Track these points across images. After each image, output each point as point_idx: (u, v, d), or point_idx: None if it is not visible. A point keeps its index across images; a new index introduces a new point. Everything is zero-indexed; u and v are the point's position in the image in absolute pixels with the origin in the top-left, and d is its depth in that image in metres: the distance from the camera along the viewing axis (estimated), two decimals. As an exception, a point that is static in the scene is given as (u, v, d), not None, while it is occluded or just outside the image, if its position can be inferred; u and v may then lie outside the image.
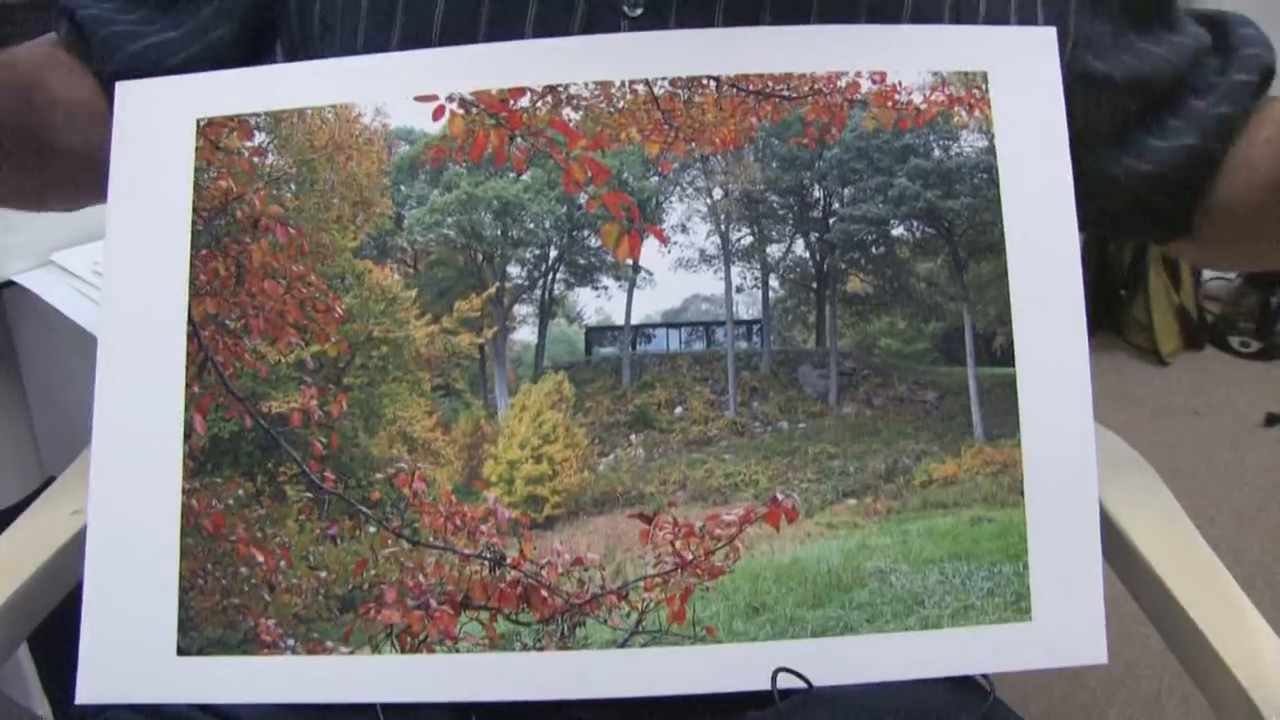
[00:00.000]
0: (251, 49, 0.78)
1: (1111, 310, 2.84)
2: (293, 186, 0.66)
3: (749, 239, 0.65)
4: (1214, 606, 0.63)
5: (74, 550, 0.67)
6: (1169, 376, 2.65)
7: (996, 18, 0.69)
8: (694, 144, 0.65)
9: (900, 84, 0.65)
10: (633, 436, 0.64)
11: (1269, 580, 1.89)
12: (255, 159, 0.66)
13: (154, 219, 0.66)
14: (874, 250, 0.66)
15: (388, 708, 0.63)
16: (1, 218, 1.08)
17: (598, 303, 0.65)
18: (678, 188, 0.65)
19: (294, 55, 0.77)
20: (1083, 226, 0.64)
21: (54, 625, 0.69)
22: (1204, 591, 0.64)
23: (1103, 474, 0.63)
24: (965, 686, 0.67)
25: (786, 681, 0.61)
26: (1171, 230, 0.77)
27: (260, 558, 0.64)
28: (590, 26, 0.67)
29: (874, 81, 0.65)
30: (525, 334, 0.65)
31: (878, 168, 0.65)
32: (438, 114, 0.65)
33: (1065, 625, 0.63)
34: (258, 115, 0.66)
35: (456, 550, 0.63)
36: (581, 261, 0.65)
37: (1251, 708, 0.59)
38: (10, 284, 1.10)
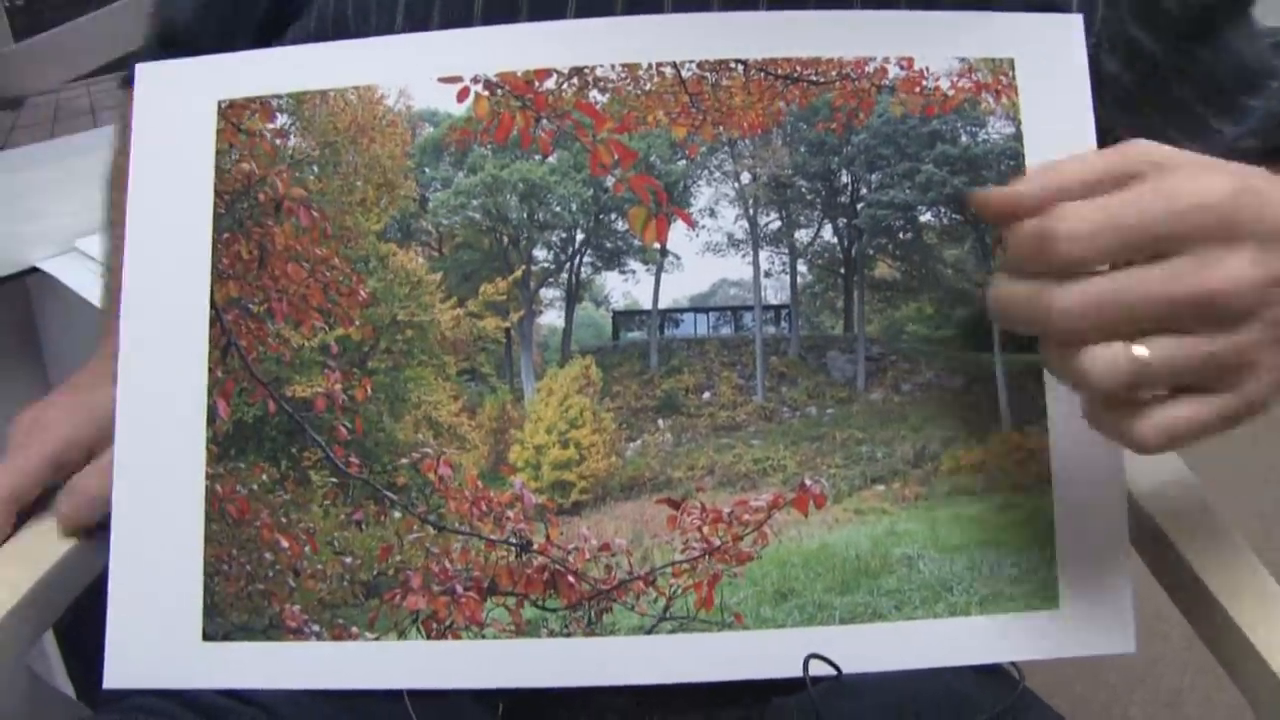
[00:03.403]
0: None
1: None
2: (315, 169, 0.66)
3: (777, 223, 0.65)
4: (1247, 596, 0.62)
5: (100, 535, 0.67)
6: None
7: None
8: (721, 128, 0.64)
9: (927, 70, 0.64)
10: (660, 421, 0.64)
11: (1293, 579, 1.87)
12: (278, 141, 0.66)
13: (176, 202, 0.65)
14: (901, 236, 0.65)
15: (414, 694, 0.63)
16: (25, 205, 1.09)
17: (625, 286, 0.64)
18: (705, 171, 0.64)
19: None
20: None
21: (75, 611, 0.70)
22: (1237, 582, 0.63)
23: (1130, 464, 0.63)
24: (994, 675, 0.67)
25: (814, 668, 0.60)
26: None
27: (285, 543, 0.63)
28: (632, 11, 0.67)
29: (901, 67, 0.64)
30: (552, 318, 0.64)
31: (905, 153, 0.64)
32: (462, 96, 0.65)
33: (1092, 613, 0.63)
34: (280, 97, 0.66)
35: (483, 536, 0.63)
36: (608, 245, 0.65)
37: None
38: (34, 270, 1.11)
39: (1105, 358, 0.52)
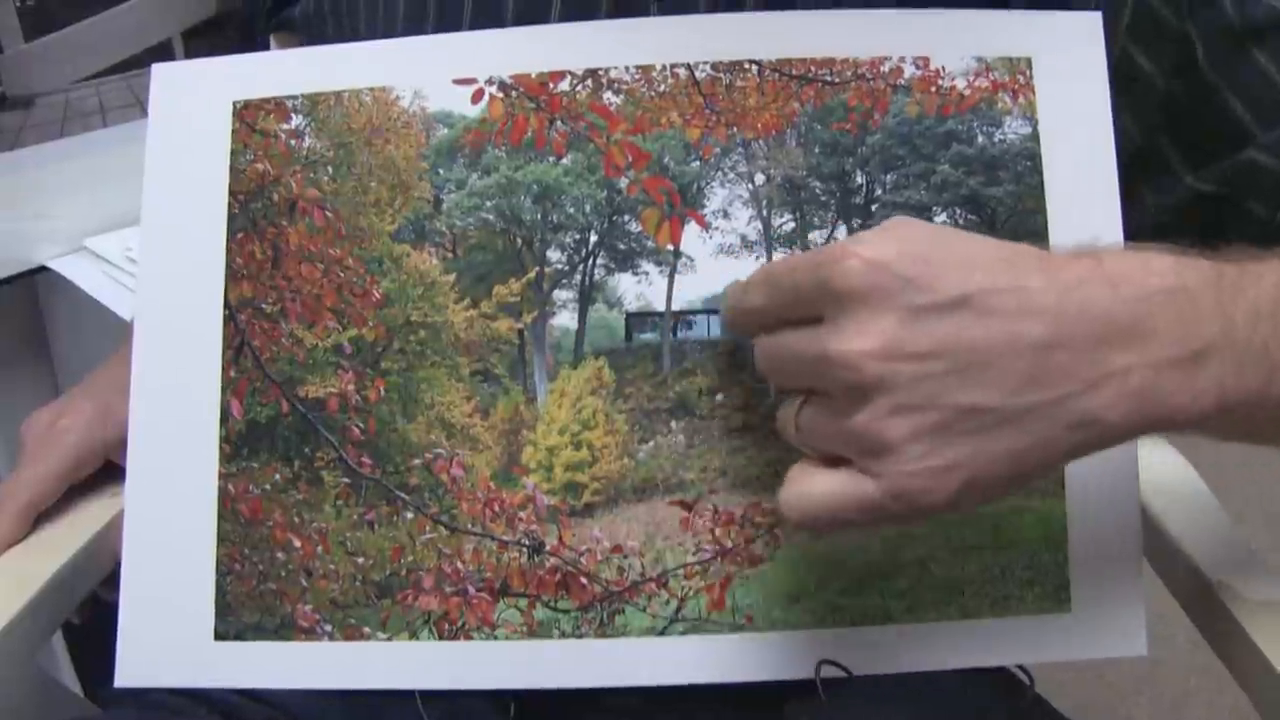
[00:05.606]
0: None
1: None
2: (330, 169, 0.66)
3: (791, 225, 0.64)
4: (1256, 600, 0.62)
5: (113, 532, 0.67)
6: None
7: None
8: (735, 129, 0.64)
9: (944, 69, 0.64)
10: (673, 423, 0.63)
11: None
12: (292, 142, 0.66)
13: (190, 202, 0.65)
14: (916, 237, 0.65)
15: (425, 694, 0.63)
16: (34, 203, 1.09)
17: (638, 288, 0.64)
18: (719, 173, 0.64)
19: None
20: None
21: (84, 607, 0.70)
22: (1246, 586, 0.63)
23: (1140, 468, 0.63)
24: (1004, 680, 0.67)
25: (825, 671, 0.60)
26: None
27: (297, 543, 0.63)
28: (618, 14, 0.67)
29: (917, 67, 0.64)
30: (565, 319, 0.64)
31: (920, 154, 0.64)
32: (476, 97, 0.65)
33: (1104, 616, 0.62)
34: (295, 98, 0.66)
35: (495, 537, 0.63)
36: (622, 247, 0.64)
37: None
38: (43, 270, 1.11)
39: (782, 414, 0.53)
